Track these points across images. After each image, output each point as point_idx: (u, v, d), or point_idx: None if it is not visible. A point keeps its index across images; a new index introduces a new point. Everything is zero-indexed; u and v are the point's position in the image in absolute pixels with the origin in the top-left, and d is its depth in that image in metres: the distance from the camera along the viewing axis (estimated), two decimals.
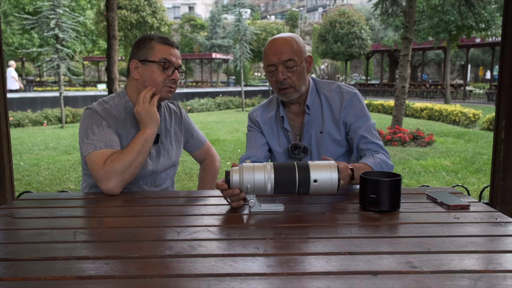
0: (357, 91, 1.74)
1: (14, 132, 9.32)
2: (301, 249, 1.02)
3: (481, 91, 21.48)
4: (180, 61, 1.68)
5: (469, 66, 29.92)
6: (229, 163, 6.11)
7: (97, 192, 1.57)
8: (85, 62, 31.96)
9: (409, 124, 9.81)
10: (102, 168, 1.48)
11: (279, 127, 1.76)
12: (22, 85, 16.11)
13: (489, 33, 16.57)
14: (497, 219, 1.22)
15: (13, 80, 14.64)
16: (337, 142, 1.70)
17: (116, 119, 1.63)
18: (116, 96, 1.70)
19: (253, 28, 17.74)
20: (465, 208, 1.31)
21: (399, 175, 1.29)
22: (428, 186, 1.85)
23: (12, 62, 15.22)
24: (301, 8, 53.77)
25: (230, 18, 37.47)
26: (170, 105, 1.86)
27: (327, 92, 1.72)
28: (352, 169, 1.44)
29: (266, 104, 1.84)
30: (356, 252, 0.97)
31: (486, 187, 1.95)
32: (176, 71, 1.65)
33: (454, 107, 11.60)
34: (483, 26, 15.96)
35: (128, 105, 1.67)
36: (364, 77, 32.48)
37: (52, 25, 10.56)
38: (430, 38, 18.30)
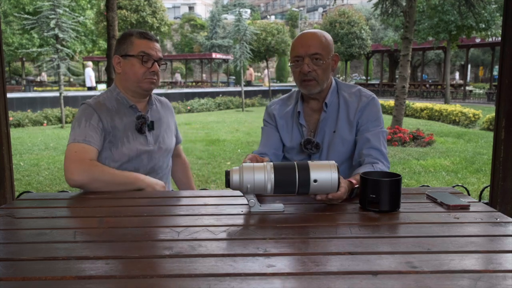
0: (375, 96, 1.75)
1: (14, 132, 9.32)
2: (301, 249, 1.02)
3: (481, 91, 21.47)
4: (160, 54, 1.75)
5: (469, 66, 29.92)
6: (229, 163, 6.11)
7: (97, 192, 1.57)
8: (85, 62, 31.93)
9: (409, 124, 9.81)
10: (84, 163, 1.56)
11: (294, 122, 1.78)
12: (94, 84, 18.42)
13: (489, 33, 16.56)
14: (497, 219, 1.22)
15: (89, 79, 16.99)
16: (347, 143, 1.70)
17: (109, 110, 1.71)
18: (107, 91, 1.80)
19: (253, 28, 17.70)
20: (465, 208, 1.31)
21: (399, 175, 1.29)
22: (428, 186, 1.85)
23: (90, 63, 17.89)
24: (301, 8, 53.76)
25: (230, 18, 37.44)
26: (160, 98, 1.95)
27: (347, 94, 1.74)
28: (357, 187, 1.39)
29: (286, 98, 1.87)
30: (356, 252, 0.97)
31: (486, 187, 1.96)
32: (155, 63, 1.72)
33: (454, 107, 11.59)
34: (483, 26, 15.95)
35: (120, 97, 1.75)
36: (364, 77, 32.48)
37: (52, 25, 10.55)
38: (430, 38, 18.29)
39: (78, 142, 1.60)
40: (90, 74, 17.04)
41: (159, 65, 1.74)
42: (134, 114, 1.74)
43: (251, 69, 16.03)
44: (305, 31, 1.72)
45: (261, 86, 22.38)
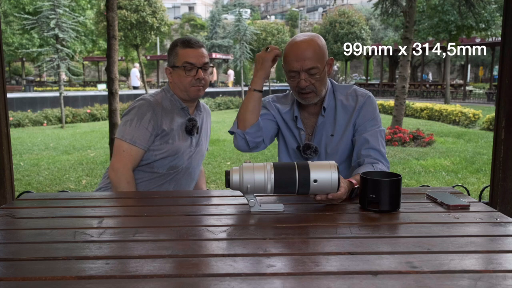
0: (371, 94, 1.72)
1: (14, 132, 9.32)
2: (301, 249, 1.02)
3: (481, 91, 21.46)
4: (204, 59, 1.81)
5: (469, 66, 29.90)
6: (229, 163, 6.11)
7: (97, 192, 1.57)
8: (85, 62, 31.94)
9: (409, 124, 9.81)
10: (127, 172, 1.72)
11: (291, 125, 1.75)
12: (141, 83, 19.92)
13: (489, 33, 16.56)
14: (497, 219, 1.22)
15: (136, 79, 18.72)
16: (345, 145, 1.69)
17: (164, 109, 1.82)
18: (162, 91, 1.90)
19: (253, 28, 17.72)
20: (465, 208, 1.31)
21: (399, 175, 1.29)
22: (428, 186, 1.85)
23: (136, 64, 19.70)
24: (301, 8, 53.75)
25: (230, 18, 37.41)
26: (205, 105, 2.04)
27: (343, 96, 1.71)
28: (357, 187, 1.38)
29: (282, 97, 1.82)
30: (356, 252, 0.97)
31: (486, 187, 1.96)
32: (200, 70, 1.79)
33: (454, 107, 11.59)
34: (483, 26, 15.96)
35: (174, 98, 1.86)
36: (364, 77, 32.48)
37: (52, 25, 10.56)
38: (430, 38, 18.29)
39: (125, 140, 1.73)
40: (136, 74, 18.70)
41: (205, 69, 1.82)
42: (185, 116, 1.86)
43: (213, 69, 15.98)
44: (297, 39, 1.61)
45: (227, 87, 22.05)
